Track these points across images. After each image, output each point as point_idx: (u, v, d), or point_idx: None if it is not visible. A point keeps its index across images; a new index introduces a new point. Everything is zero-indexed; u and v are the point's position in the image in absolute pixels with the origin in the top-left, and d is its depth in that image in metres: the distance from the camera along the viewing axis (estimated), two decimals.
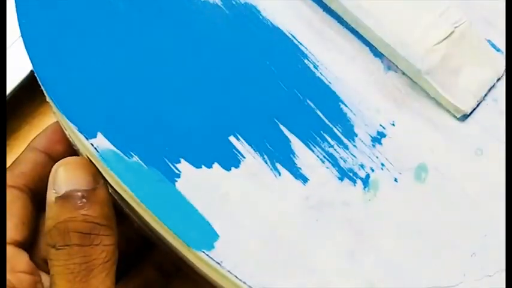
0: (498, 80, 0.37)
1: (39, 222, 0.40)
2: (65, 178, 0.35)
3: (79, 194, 0.34)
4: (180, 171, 0.35)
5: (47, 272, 0.36)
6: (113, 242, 0.35)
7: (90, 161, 0.36)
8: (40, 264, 0.38)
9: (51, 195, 0.35)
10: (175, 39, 0.37)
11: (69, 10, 0.37)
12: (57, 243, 0.34)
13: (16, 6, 0.37)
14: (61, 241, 0.34)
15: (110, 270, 0.35)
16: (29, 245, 0.39)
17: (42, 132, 0.41)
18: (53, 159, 0.40)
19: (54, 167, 0.36)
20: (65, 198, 0.34)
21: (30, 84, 0.47)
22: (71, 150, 0.40)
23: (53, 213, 0.35)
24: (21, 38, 0.37)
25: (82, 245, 0.34)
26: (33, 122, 0.51)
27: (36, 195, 0.39)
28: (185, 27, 0.37)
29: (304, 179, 0.35)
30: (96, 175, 0.35)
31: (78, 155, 0.39)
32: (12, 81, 0.49)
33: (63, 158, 0.40)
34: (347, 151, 0.35)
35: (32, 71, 0.44)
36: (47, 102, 0.37)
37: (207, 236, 0.34)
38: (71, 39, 0.37)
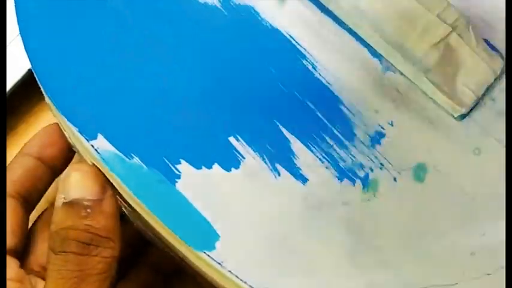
0: (496, 79, 0.37)
1: (36, 228, 0.40)
2: (74, 184, 0.35)
3: (85, 203, 0.35)
4: (180, 172, 0.35)
5: (44, 279, 0.36)
6: (112, 255, 0.35)
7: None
8: (38, 271, 0.39)
9: (59, 200, 0.35)
10: (174, 40, 0.37)
11: (68, 10, 0.37)
12: (56, 248, 0.35)
13: (15, 5, 0.37)
14: (59, 247, 0.35)
15: (105, 282, 0.35)
16: (21, 251, 0.39)
17: (34, 136, 0.41)
18: (44, 163, 0.40)
19: (66, 171, 0.36)
20: (70, 205, 0.35)
21: (27, 82, 0.47)
22: (64, 154, 0.40)
23: (57, 218, 0.35)
24: (18, 37, 0.37)
25: (79, 254, 0.34)
26: (30, 120, 0.51)
27: (28, 201, 0.40)
28: (184, 29, 0.37)
29: (304, 179, 0.35)
30: (105, 185, 0.35)
31: (72, 157, 0.40)
32: (10, 80, 0.49)
33: (56, 161, 0.40)
34: (346, 151, 0.36)
35: (29, 69, 0.44)
36: (45, 100, 0.37)
37: (208, 237, 0.34)
38: (70, 40, 0.37)
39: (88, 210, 0.34)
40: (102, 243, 0.35)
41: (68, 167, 0.39)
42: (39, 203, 0.41)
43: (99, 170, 0.35)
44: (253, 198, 0.35)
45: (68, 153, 0.40)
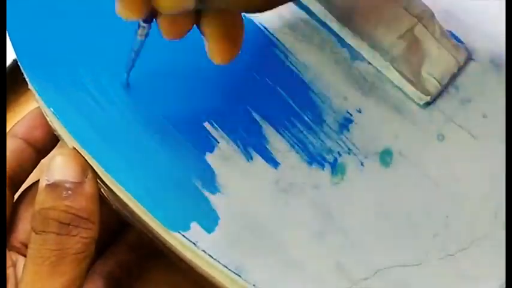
0: (459, 69, 0.38)
1: (19, 206, 0.41)
2: (57, 167, 0.36)
3: (66, 185, 0.36)
4: None
5: (25, 256, 0.37)
6: (91, 236, 0.36)
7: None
8: (19, 247, 0.40)
9: (43, 181, 0.36)
10: (152, 30, 0.38)
11: (53, 2, 0.38)
12: (37, 228, 0.36)
13: None
14: (40, 226, 0.36)
15: (82, 261, 0.36)
16: (4, 230, 0.39)
17: (22, 119, 0.41)
18: (31, 145, 0.40)
19: (52, 153, 0.36)
20: (52, 186, 0.36)
21: (14, 73, 0.48)
22: (50, 136, 0.41)
23: (40, 199, 0.36)
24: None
25: (58, 234, 0.35)
26: (17, 110, 0.51)
27: (13, 181, 0.40)
28: None
29: (275, 163, 0.36)
30: (86, 169, 0.36)
31: (58, 141, 0.41)
32: None
33: (42, 143, 0.41)
34: (316, 137, 0.37)
35: (14, 60, 0.45)
36: (30, 90, 0.38)
37: (183, 218, 0.35)
38: (53, 29, 0.38)
39: (69, 191, 0.35)
40: (81, 224, 0.36)
41: (53, 150, 0.40)
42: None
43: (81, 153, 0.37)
44: (226, 181, 0.36)
45: (54, 136, 0.41)
